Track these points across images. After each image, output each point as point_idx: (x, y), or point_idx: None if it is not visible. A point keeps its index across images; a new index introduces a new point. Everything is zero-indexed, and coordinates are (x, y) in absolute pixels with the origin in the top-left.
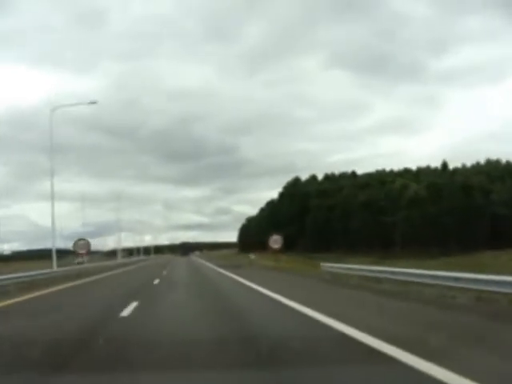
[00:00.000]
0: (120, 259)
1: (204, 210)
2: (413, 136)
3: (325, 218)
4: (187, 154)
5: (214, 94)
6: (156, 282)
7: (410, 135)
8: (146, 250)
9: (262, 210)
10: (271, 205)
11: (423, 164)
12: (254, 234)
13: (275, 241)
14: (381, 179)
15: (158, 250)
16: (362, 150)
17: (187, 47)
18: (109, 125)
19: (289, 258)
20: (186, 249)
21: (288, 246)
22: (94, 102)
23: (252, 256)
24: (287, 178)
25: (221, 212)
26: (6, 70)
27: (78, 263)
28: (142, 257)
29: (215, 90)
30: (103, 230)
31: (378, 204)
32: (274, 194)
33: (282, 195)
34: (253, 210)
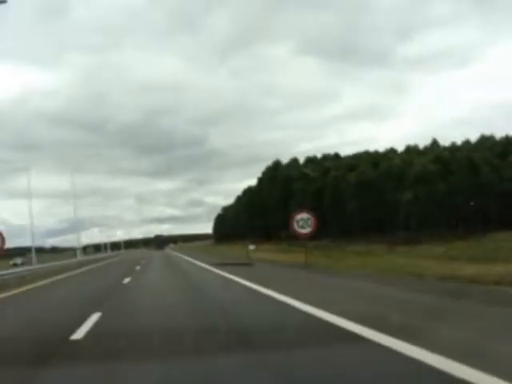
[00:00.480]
0: (80, 256)
1: (176, 203)
2: (381, 123)
3: (312, 202)
4: (158, 146)
5: (183, 86)
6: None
7: (378, 122)
8: (116, 245)
9: (239, 199)
10: (249, 192)
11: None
12: (230, 224)
13: (304, 221)
14: (369, 159)
15: (131, 244)
16: (331, 138)
17: (154, 38)
18: (78, 119)
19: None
20: (160, 242)
21: (272, 236)
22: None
23: (251, 247)
24: (257, 168)
25: (193, 204)
26: None
27: (15, 265)
28: (110, 253)
29: (183, 82)
30: (77, 226)
31: (375, 184)
32: (244, 184)
33: (260, 181)
34: (225, 201)
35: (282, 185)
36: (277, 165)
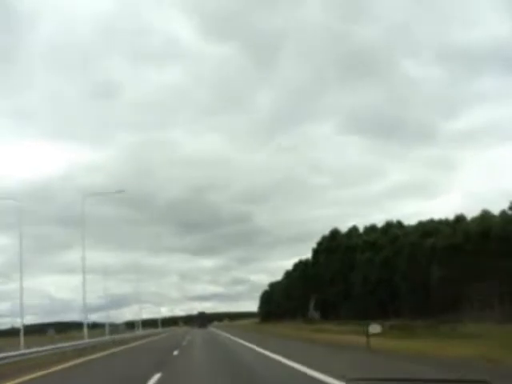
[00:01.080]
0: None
1: (220, 280)
2: (428, 199)
3: (379, 273)
4: (202, 223)
5: (228, 163)
6: None
7: (425, 198)
8: (154, 323)
9: (288, 274)
10: (301, 266)
11: None
12: (278, 300)
13: None
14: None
15: (174, 321)
16: (377, 215)
17: (200, 116)
18: (124, 196)
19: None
20: (203, 319)
21: (332, 312)
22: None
23: (374, 328)
24: (302, 247)
25: (237, 282)
26: (22, 145)
27: None
28: (141, 331)
29: (229, 159)
30: (119, 302)
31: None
32: (289, 262)
33: (316, 252)
34: (268, 279)
35: (342, 255)
36: (335, 234)
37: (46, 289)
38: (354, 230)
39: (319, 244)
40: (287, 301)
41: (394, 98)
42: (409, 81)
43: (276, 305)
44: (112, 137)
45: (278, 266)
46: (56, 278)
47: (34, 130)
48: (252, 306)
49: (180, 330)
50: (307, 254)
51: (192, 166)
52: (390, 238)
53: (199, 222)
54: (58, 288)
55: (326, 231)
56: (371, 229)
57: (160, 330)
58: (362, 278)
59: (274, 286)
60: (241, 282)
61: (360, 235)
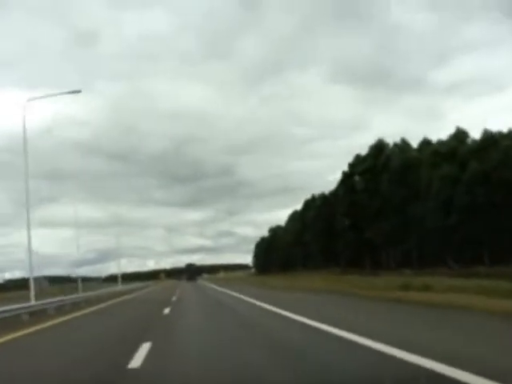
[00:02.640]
0: None
1: (206, 233)
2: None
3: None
4: (186, 176)
5: (212, 114)
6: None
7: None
8: (140, 276)
9: (296, 215)
10: (318, 201)
11: None
12: (279, 249)
13: None
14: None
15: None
16: None
17: (183, 66)
18: (107, 148)
19: None
20: (192, 271)
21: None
22: (78, 91)
23: None
24: (285, 198)
25: (223, 234)
26: (1, 93)
27: None
28: (122, 286)
29: (213, 110)
30: (105, 255)
31: None
32: (273, 214)
33: (347, 176)
34: (254, 232)
35: (398, 175)
36: (380, 147)
37: (33, 244)
38: (404, 145)
39: (353, 165)
40: (299, 246)
41: (381, 46)
42: (398, 28)
43: (280, 253)
44: (94, 87)
45: (262, 218)
46: (42, 232)
47: (12, 80)
48: (239, 258)
49: (163, 284)
50: (291, 207)
51: (175, 118)
52: (479, 145)
53: (184, 175)
54: (44, 242)
55: (309, 183)
56: (427, 143)
57: (140, 284)
58: (438, 204)
59: (275, 232)
60: (227, 234)
61: (423, 146)
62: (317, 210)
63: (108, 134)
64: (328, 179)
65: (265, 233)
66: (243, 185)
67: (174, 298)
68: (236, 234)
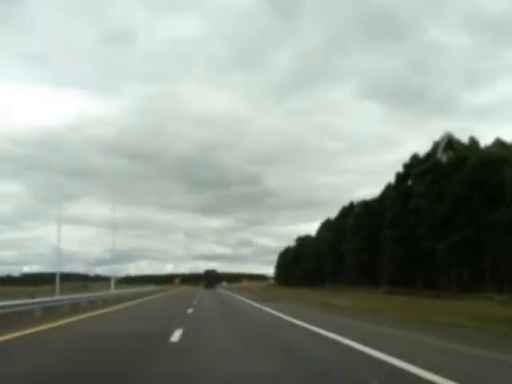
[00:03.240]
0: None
1: (226, 241)
2: None
3: None
4: (210, 182)
5: (240, 122)
6: None
7: None
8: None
9: (329, 224)
10: (360, 207)
11: None
12: (307, 260)
13: None
14: None
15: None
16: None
17: (215, 73)
18: (133, 149)
19: None
20: (212, 278)
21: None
22: None
23: None
24: (309, 212)
25: (243, 244)
26: (32, 89)
27: None
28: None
29: (241, 118)
30: (124, 256)
31: None
32: (295, 228)
33: (402, 178)
34: (274, 243)
35: (472, 174)
36: (449, 143)
37: (53, 239)
38: (472, 143)
39: (409, 166)
40: (331, 259)
41: (416, 65)
42: (433, 47)
43: (307, 265)
44: (123, 87)
45: (284, 230)
46: (63, 228)
47: (45, 76)
48: (257, 268)
49: (177, 290)
50: (316, 220)
51: (203, 123)
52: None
53: (207, 181)
54: (65, 239)
55: (335, 199)
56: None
57: (150, 288)
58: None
59: (303, 242)
60: (246, 244)
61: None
62: (357, 218)
63: (134, 135)
64: (355, 195)
65: (285, 244)
66: (267, 195)
67: (189, 311)
68: (256, 244)
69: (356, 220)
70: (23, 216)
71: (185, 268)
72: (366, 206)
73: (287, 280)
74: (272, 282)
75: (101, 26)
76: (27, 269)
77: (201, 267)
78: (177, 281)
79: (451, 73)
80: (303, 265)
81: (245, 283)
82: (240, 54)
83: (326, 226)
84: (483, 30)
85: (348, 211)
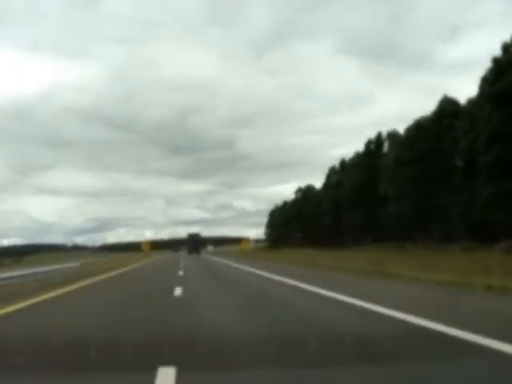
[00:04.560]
0: None
1: (205, 205)
2: None
3: None
4: (187, 147)
5: (215, 84)
6: None
7: None
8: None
9: (348, 164)
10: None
11: None
12: (307, 219)
13: None
14: None
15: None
16: (362, 145)
17: (187, 32)
18: (107, 117)
19: None
20: (195, 242)
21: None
22: None
23: None
24: (284, 174)
25: (222, 207)
26: None
27: None
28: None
29: (215, 80)
30: (104, 225)
31: None
32: (271, 189)
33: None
34: (252, 206)
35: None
36: None
37: (29, 211)
38: None
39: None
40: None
41: (391, 18)
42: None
43: (306, 224)
44: (93, 51)
45: (261, 192)
46: (40, 199)
47: (10, 41)
48: (238, 231)
49: (144, 261)
50: (292, 182)
51: (177, 87)
52: None
53: (184, 146)
54: (42, 210)
55: (308, 159)
56: None
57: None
58: None
59: (305, 194)
60: (226, 207)
61: None
62: (402, 147)
63: (108, 102)
64: (330, 155)
65: (264, 207)
66: (244, 158)
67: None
68: (235, 208)
69: (401, 150)
70: None
71: (165, 234)
72: (418, 128)
73: (285, 241)
74: (260, 244)
75: None
76: (6, 242)
77: (182, 233)
78: (146, 245)
79: (425, 26)
80: (310, 221)
81: (244, 244)
82: (213, 11)
83: (346, 167)
84: None
85: (377, 146)
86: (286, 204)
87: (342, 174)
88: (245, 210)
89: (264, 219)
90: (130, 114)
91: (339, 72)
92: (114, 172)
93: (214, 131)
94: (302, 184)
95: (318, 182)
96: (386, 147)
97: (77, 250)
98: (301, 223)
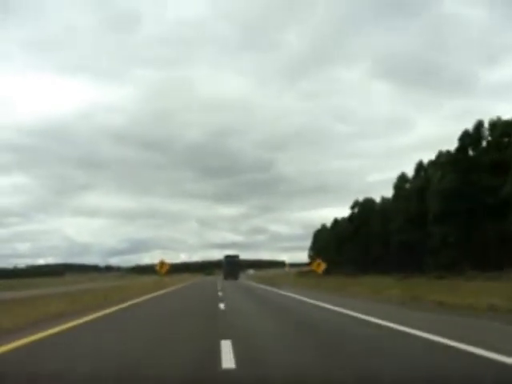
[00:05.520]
0: None
1: (239, 228)
2: None
3: None
4: (221, 169)
5: (251, 107)
6: None
7: None
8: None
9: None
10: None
11: None
12: (369, 237)
13: None
14: None
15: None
16: (401, 170)
17: (223, 55)
18: (142, 137)
19: None
20: (232, 266)
21: None
22: None
23: None
24: (320, 198)
25: (256, 231)
26: (36, 79)
27: None
28: None
29: (252, 103)
30: (138, 246)
31: None
32: (311, 214)
33: None
34: (287, 230)
35: None
36: None
37: (67, 231)
38: None
39: None
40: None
41: (429, 41)
42: (448, 21)
43: (366, 244)
44: (130, 73)
45: (296, 216)
46: (76, 220)
47: (50, 64)
48: (271, 255)
49: (166, 287)
50: (327, 207)
51: (212, 108)
52: None
53: (219, 168)
54: (78, 230)
55: (348, 184)
56: None
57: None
58: None
59: (366, 209)
60: (260, 231)
61: None
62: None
63: (143, 122)
64: (367, 180)
65: (299, 231)
66: (279, 181)
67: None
68: (269, 232)
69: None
70: (34, 208)
71: (198, 257)
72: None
73: (336, 267)
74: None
75: (105, 10)
76: (42, 261)
77: (215, 256)
78: (163, 266)
79: (465, 50)
80: (374, 240)
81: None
82: (249, 35)
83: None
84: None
85: (475, 139)
86: (337, 222)
87: (419, 180)
88: (279, 234)
89: (300, 243)
90: (165, 136)
91: (376, 97)
92: (147, 194)
93: (249, 154)
94: (338, 210)
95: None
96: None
97: (110, 270)
98: (358, 244)
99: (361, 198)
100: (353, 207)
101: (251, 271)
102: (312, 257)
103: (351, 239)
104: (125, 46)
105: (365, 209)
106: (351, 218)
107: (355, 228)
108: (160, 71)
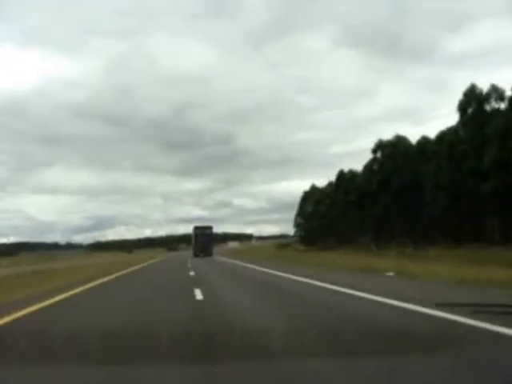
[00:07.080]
0: None
1: (204, 203)
2: (419, 126)
3: None
4: (185, 143)
5: (213, 78)
6: None
7: (416, 125)
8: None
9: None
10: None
11: None
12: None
13: None
14: None
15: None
16: (364, 141)
17: (184, 23)
18: (103, 112)
19: None
20: (205, 239)
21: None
22: None
23: None
24: (283, 171)
25: (221, 205)
26: None
27: None
28: None
29: (213, 74)
30: (102, 223)
31: None
32: (270, 187)
33: None
34: (252, 203)
35: None
36: None
37: (27, 209)
38: None
39: None
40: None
41: (394, 10)
42: None
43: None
44: (88, 44)
45: (260, 189)
46: (38, 198)
47: (4, 36)
48: (239, 229)
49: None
50: (291, 179)
51: (173, 81)
52: None
53: (182, 143)
54: (40, 208)
55: (309, 156)
56: None
57: None
58: None
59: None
60: (225, 205)
61: None
62: None
63: (104, 97)
64: (329, 152)
65: (263, 204)
66: (242, 154)
67: None
68: (234, 205)
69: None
70: None
71: (163, 232)
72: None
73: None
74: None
75: None
76: (5, 240)
77: (180, 230)
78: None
79: (429, 18)
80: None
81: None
82: (211, 1)
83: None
84: None
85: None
86: (342, 175)
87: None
88: (244, 207)
89: (265, 216)
90: (127, 110)
91: (339, 66)
92: (109, 170)
93: (211, 127)
94: (301, 182)
95: (320, 180)
96: None
97: (71, 248)
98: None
99: (327, 171)
100: (374, 151)
101: (235, 243)
102: (300, 229)
103: (374, 197)
104: (81, 16)
105: (395, 148)
106: (371, 166)
107: (381, 181)
108: (118, 42)
